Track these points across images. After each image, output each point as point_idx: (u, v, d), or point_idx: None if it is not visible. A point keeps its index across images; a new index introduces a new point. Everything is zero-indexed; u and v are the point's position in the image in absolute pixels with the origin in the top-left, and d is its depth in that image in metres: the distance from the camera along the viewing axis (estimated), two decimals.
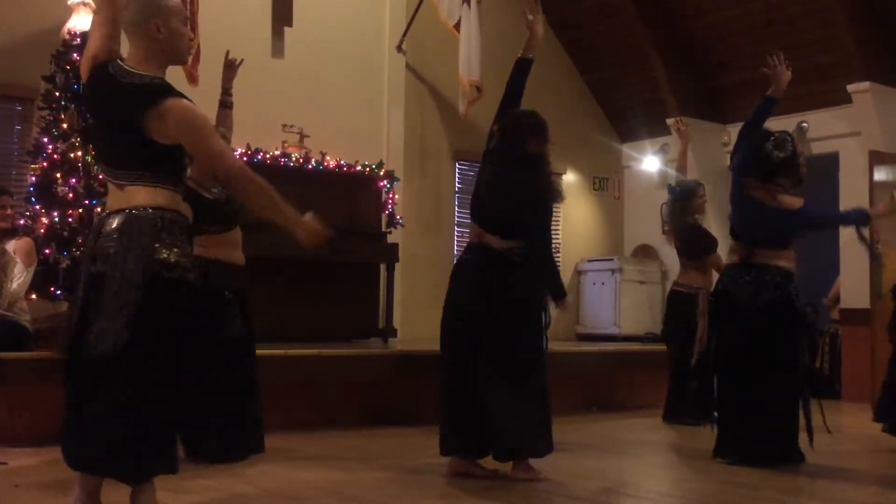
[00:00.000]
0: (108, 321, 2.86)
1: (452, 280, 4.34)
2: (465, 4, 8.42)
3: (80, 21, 6.31)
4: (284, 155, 7.63)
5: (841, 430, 7.01)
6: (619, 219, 10.81)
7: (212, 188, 4.56)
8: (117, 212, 2.98)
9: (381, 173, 8.12)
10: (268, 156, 7.50)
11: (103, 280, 2.91)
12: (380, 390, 6.23)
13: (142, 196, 2.97)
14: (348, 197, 7.95)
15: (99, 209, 5.82)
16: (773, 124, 5.29)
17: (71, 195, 6.08)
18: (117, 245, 2.92)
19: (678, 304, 6.62)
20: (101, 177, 5.66)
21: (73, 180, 6.10)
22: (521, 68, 4.48)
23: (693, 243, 6.61)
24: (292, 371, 5.80)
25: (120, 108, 2.98)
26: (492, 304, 4.14)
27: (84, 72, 3.13)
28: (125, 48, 3.11)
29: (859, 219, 4.79)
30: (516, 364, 4.17)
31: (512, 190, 4.16)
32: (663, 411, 6.61)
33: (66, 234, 6.02)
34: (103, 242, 2.95)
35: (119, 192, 3.01)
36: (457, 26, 8.48)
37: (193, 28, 6.88)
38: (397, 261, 8.01)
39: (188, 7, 6.74)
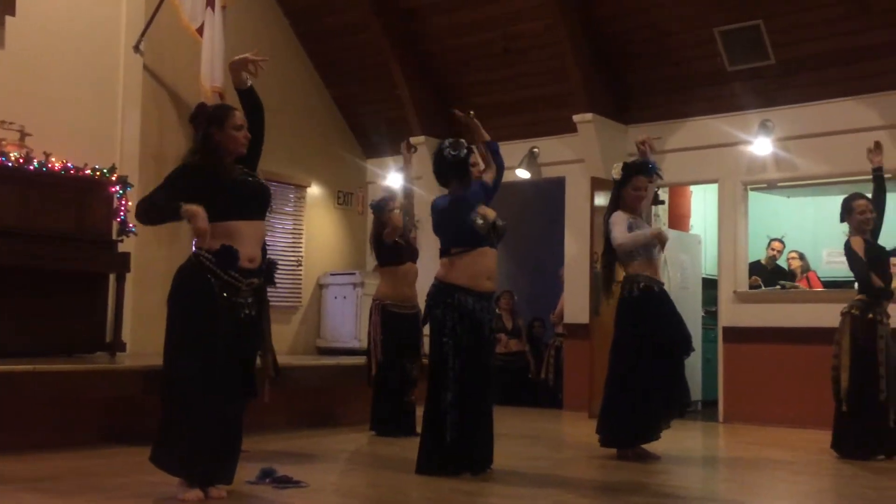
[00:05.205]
0: None
1: None
2: (210, 9, 8.18)
3: None
4: (2, 154, 7.02)
5: (563, 438, 7.50)
6: (363, 234, 10.90)
7: None
8: None
9: (114, 178, 7.68)
10: None
11: None
12: (104, 407, 5.88)
13: None
14: (76, 202, 7.43)
15: None
16: (506, 148, 5.58)
17: None
18: None
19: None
20: None
21: None
22: None
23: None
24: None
25: None
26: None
27: None
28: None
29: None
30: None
31: None
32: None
33: None
34: None
35: None
36: (200, 30, 8.22)
37: None
38: (128, 271, 7.60)
39: None
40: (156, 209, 3.99)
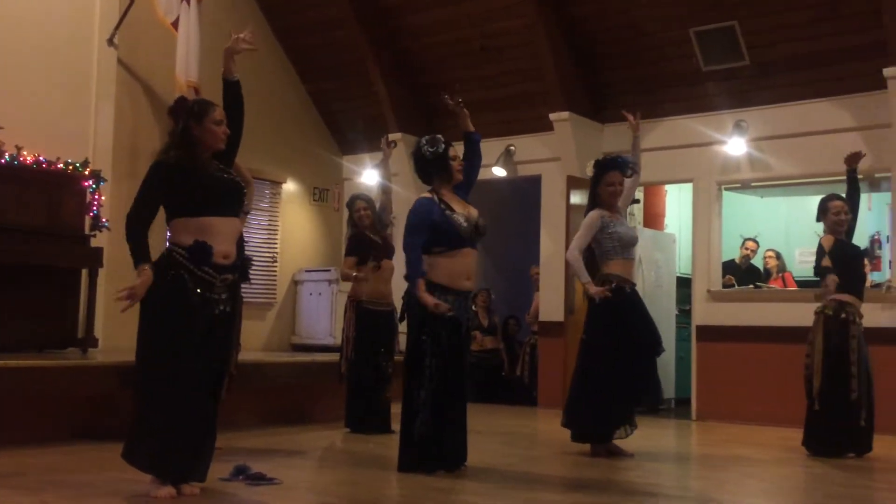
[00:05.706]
0: None
1: None
2: (185, 2, 8.10)
3: None
4: None
5: (536, 435, 7.52)
6: (339, 230, 10.87)
7: None
8: None
9: (87, 172, 7.60)
10: None
11: None
12: (75, 404, 5.82)
13: None
14: (48, 196, 7.34)
15: None
16: (482, 146, 5.57)
17: None
18: None
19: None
20: None
21: None
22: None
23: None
24: None
25: None
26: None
27: None
28: None
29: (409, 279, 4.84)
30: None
31: None
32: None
33: None
34: None
35: None
36: (175, 24, 8.16)
37: None
38: (101, 266, 7.51)
39: None
40: (132, 243, 3.94)
